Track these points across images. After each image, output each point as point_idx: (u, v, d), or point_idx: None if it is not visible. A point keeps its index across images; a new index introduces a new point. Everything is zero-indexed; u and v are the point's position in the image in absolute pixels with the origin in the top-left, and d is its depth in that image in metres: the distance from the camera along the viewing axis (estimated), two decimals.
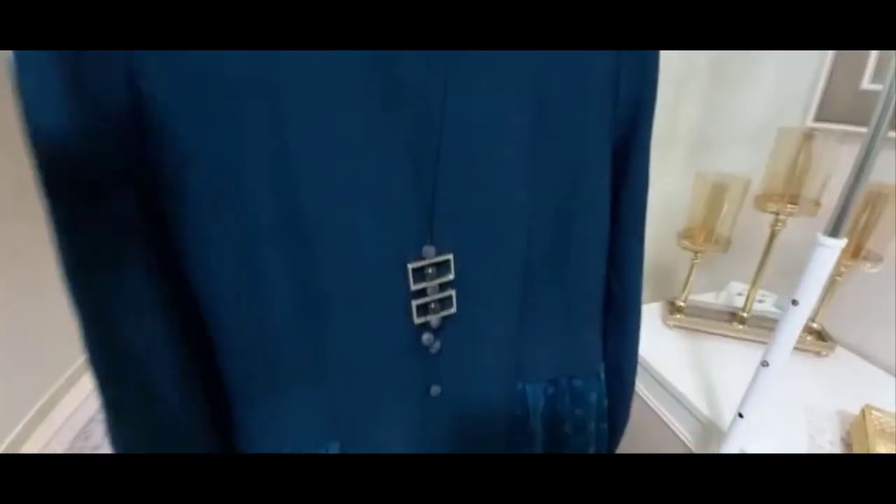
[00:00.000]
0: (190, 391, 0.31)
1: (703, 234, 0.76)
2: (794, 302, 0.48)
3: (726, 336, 0.80)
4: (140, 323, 0.27)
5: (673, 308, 0.83)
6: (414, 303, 0.35)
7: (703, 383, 0.71)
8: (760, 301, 0.83)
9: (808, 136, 0.66)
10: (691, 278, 0.80)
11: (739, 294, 0.90)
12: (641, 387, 0.75)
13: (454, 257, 0.35)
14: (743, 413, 0.55)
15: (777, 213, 0.68)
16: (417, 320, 0.35)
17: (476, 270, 0.36)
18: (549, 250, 0.39)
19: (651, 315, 0.85)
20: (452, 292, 0.36)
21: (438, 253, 0.34)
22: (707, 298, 0.90)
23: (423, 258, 0.34)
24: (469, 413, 0.42)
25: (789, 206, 0.67)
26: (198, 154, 0.26)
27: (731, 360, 0.75)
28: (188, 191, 0.27)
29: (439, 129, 0.31)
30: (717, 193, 0.72)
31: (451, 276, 0.35)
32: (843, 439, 0.61)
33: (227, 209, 0.28)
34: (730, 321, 0.82)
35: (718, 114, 0.86)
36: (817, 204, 0.68)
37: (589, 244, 0.42)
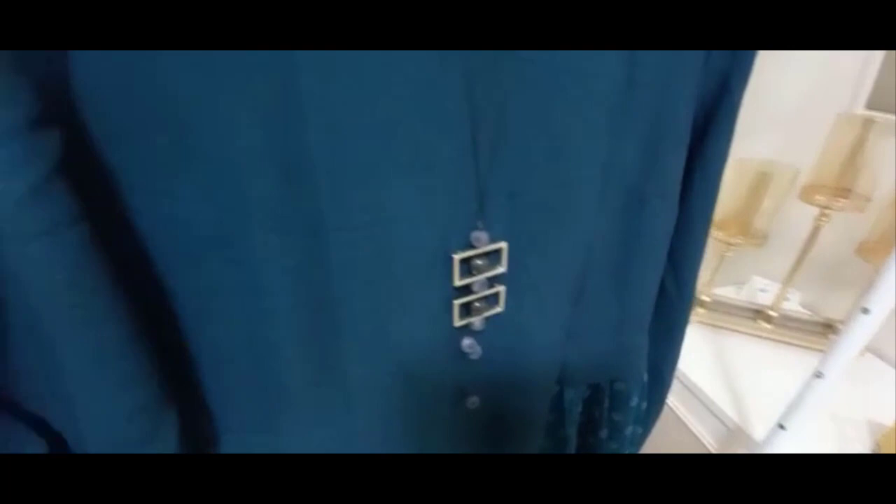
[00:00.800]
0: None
1: (737, 226, 0.70)
2: (865, 310, 0.43)
3: (751, 335, 0.75)
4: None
5: (696, 302, 0.78)
6: (456, 302, 0.28)
7: (728, 385, 0.67)
8: (786, 299, 0.78)
9: (868, 124, 0.60)
10: (718, 271, 0.75)
11: (763, 290, 0.86)
12: None
13: (508, 246, 0.28)
14: (785, 425, 0.51)
15: (825, 207, 0.63)
16: (458, 322, 0.29)
17: (531, 262, 0.30)
18: (614, 239, 0.33)
19: None
20: (502, 288, 0.29)
21: (491, 240, 0.27)
22: (726, 293, 0.85)
23: (472, 247, 0.27)
24: (506, 424, 0.36)
25: (840, 199, 0.62)
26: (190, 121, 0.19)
27: (758, 361, 0.71)
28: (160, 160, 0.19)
29: (508, 85, 0.23)
30: (759, 182, 0.66)
31: (502, 269, 0.28)
32: (873, 451, 0.58)
33: (215, 180, 0.20)
34: (755, 319, 0.77)
35: (755, 94, 0.79)
36: (868, 199, 0.62)
37: (655, 234, 0.36)
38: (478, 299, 0.29)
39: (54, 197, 0.18)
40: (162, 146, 0.19)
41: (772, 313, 0.75)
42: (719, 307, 0.78)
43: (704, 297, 0.77)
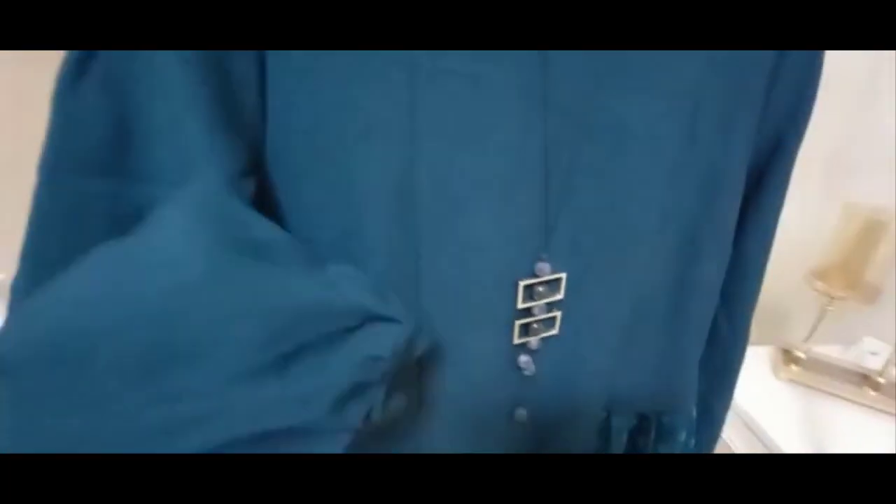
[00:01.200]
0: None
1: (844, 278, 0.65)
2: None
3: (853, 402, 0.68)
4: None
5: (788, 358, 0.72)
6: (517, 322, 0.32)
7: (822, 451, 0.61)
8: None
9: None
10: (819, 327, 0.69)
11: (874, 353, 0.77)
12: (736, 441, 0.67)
13: (567, 276, 0.31)
14: None
15: None
16: (517, 340, 0.32)
17: (587, 293, 0.33)
18: (668, 279, 0.36)
19: (758, 361, 0.75)
20: (558, 313, 0.33)
21: (553, 271, 0.30)
22: (831, 352, 0.78)
23: (535, 275, 0.30)
24: (549, 440, 0.39)
25: None
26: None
27: (858, 432, 0.64)
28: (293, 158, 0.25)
29: (582, 131, 0.27)
30: (871, 230, 0.61)
31: (559, 297, 0.32)
32: None
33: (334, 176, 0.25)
34: (860, 385, 0.70)
35: (865, 131, 0.72)
36: None
37: (708, 276, 0.38)
38: (536, 321, 0.32)
39: None
40: (301, 156, 0.25)
41: (880, 380, 0.68)
42: (817, 366, 0.72)
43: (799, 354, 0.72)
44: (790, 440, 0.63)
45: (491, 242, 0.29)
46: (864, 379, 0.70)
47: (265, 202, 0.26)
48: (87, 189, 0.22)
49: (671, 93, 0.28)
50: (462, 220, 0.27)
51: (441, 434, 0.35)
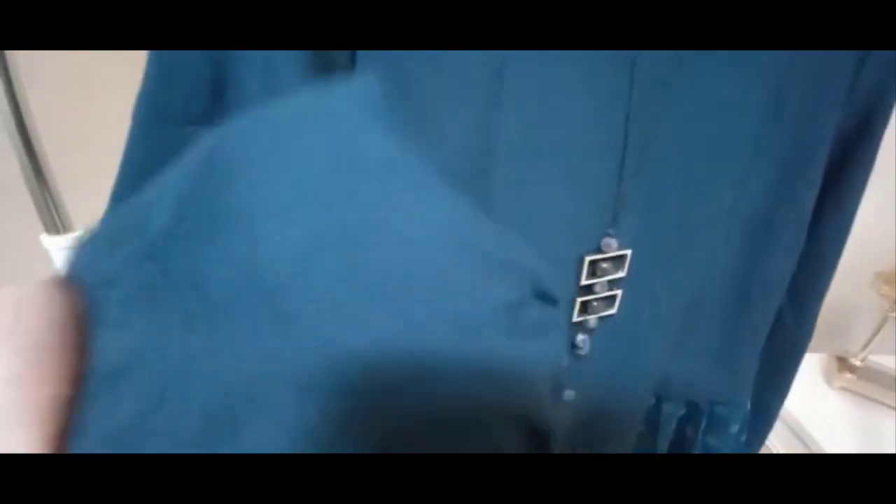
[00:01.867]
0: None
1: None
2: None
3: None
4: None
5: (843, 366, 0.68)
6: (579, 299, 0.31)
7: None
8: None
9: None
10: (879, 334, 0.65)
11: None
12: (780, 449, 0.64)
13: (632, 254, 0.30)
14: None
15: None
16: (576, 318, 0.32)
17: (650, 273, 0.31)
18: (736, 263, 0.34)
19: (810, 367, 0.71)
20: (619, 292, 0.31)
21: (619, 247, 0.29)
22: (889, 363, 0.73)
23: (601, 251, 0.29)
24: (595, 423, 0.38)
25: None
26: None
27: None
28: None
29: (659, 109, 0.26)
30: None
31: (622, 274, 0.31)
32: None
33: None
34: None
35: None
36: None
37: (778, 262, 0.35)
38: (597, 299, 0.31)
39: None
40: None
41: None
42: (872, 375, 0.68)
43: (856, 362, 0.68)
44: (840, 449, 0.60)
45: (562, 213, 0.28)
46: None
47: None
48: (176, 137, 0.22)
49: (759, 64, 0.26)
50: (536, 188, 0.26)
51: None
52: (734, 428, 0.41)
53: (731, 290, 0.35)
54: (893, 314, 0.63)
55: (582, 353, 0.34)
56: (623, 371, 0.35)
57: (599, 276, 0.30)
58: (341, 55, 0.22)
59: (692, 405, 0.39)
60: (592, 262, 0.30)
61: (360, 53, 0.22)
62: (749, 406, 0.41)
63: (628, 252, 0.30)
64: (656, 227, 0.30)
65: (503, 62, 0.23)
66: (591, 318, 0.32)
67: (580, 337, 0.33)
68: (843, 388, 0.68)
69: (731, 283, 0.34)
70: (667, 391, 0.38)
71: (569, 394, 0.36)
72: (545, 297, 0.19)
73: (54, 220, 0.37)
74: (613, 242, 0.29)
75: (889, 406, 0.66)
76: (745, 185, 0.30)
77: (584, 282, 0.30)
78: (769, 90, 0.27)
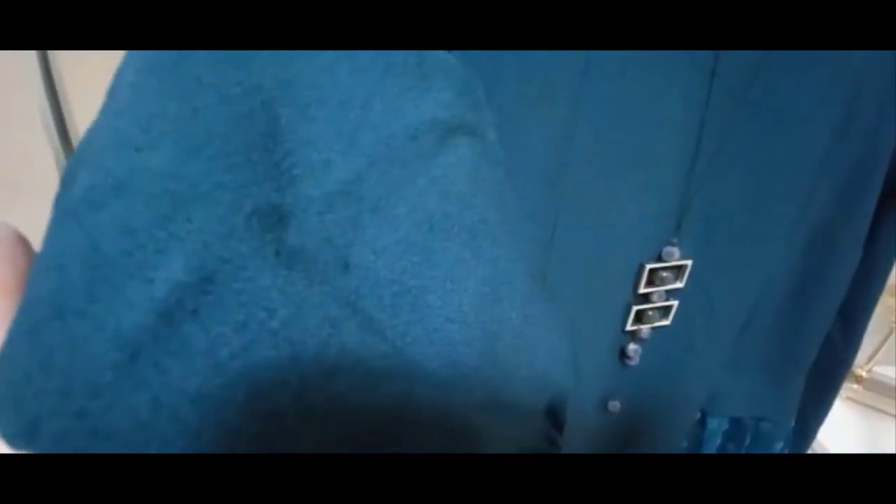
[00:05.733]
0: None
1: None
2: None
3: None
4: None
5: (851, 376, 0.70)
6: (634, 308, 0.31)
7: None
8: None
9: None
10: (884, 346, 0.67)
11: None
12: None
13: (692, 264, 0.30)
14: None
15: None
16: (630, 327, 0.31)
17: (708, 284, 0.31)
18: (795, 277, 0.34)
19: None
20: (675, 303, 0.31)
21: (681, 257, 0.29)
22: (888, 372, 0.75)
23: (661, 260, 0.29)
24: (637, 437, 0.38)
25: None
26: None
27: None
28: None
29: (742, 107, 0.26)
30: None
31: (680, 285, 0.31)
32: None
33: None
34: None
35: None
36: None
37: (838, 277, 0.35)
38: (652, 308, 0.31)
39: None
40: None
41: None
42: (879, 387, 0.69)
43: (863, 373, 0.70)
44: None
45: (627, 219, 0.27)
46: None
47: None
48: None
49: (834, 78, 0.26)
50: (604, 193, 0.26)
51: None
52: (778, 445, 0.40)
53: (787, 307, 0.35)
54: None
55: (632, 362, 0.33)
56: (672, 384, 0.35)
57: (658, 286, 0.30)
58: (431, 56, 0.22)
59: (737, 421, 0.39)
60: (652, 271, 0.30)
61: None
62: (793, 424, 0.41)
63: (689, 262, 0.30)
64: (719, 238, 0.29)
65: (587, 63, 0.23)
66: (645, 328, 0.32)
67: (632, 346, 0.33)
68: (850, 399, 0.69)
69: (787, 299, 0.34)
70: (713, 406, 0.38)
71: (614, 405, 0.35)
72: (554, 417, 0.21)
73: None
74: (675, 251, 0.29)
75: (893, 416, 0.67)
76: (809, 200, 0.30)
77: (641, 290, 0.30)
78: (842, 105, 0.27)
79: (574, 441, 0.36)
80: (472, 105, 0.19)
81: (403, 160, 0.16)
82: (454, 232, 0.17)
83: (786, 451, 0.42)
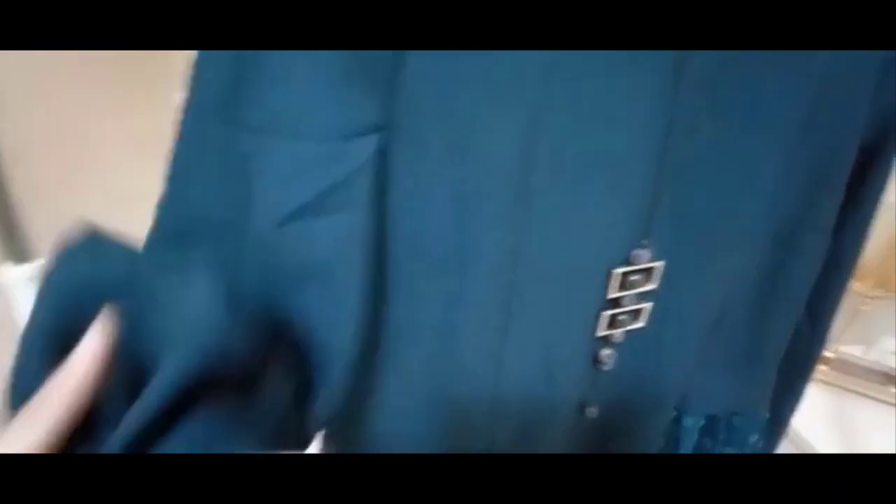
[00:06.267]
0: None
1: (877, 278, 0.64)
2: None
3: (879, 401, 0.68)
4: None
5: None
6: (604, 313, 0.30)
7: (847, 450, 0.61)
8: None
9: None
10: (850, 327, 0.69)
11: (894, 353, 0.77)
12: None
13: (664, 265, 0.29)
14: None
15: None
16: (601, 332, 0.30)
17: (681, 284, 0.30)
18: (762, 274, 0.33)
19: None
20: (648, 305, 0.30)
21: (651, 259, 0.28)
22: (852, 351, 0.78)
23: (630, 263, 0.28)
24: (615, 439, 0.37)
25: None
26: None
27: (883, 430, 0.64)
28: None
29: (709, 106, 0.25)
30: None
31: (652, 287, 0.30)
32: None
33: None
34: (884, 383, 0.70)
35: None
36: None
37: (801, 276, 0.35)
38: (624, 312, 0.30)
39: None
40: (437, 149, 0.22)
41: None
42: (845, 367, 0.71)
43: (829, 354, 0.71)
44: (820, 439, 0.62)
45: (595, 223, 0.26)
46: (888, 378, 0.70)
47: (386, 162, 0.23)
48: (206, 133, 0.21)
49: (800, 74, 0.26)
50: (571, 195, 0.25)
51: (506, 425, 0.33)
52: (752, 438, 0.40)
53: (757, 303, 0.34)
54: (864, 307, 0.67)
55: (606, 367, 0.32)
56: (647, 385, 0.34)
57: (629, 289, 0.29)
58: (383, 57, 0.20)
59: (712, 417, 0.39)
60: (622, 275, 0.29)
61: (411, 54, 0.20)
62: (767, 415, 0.41)
63: (660, 264, 0.29)
64: (689, 238, 0.29)
65: (549, 65, 0.21)
66: (618, 332, 0.31)
67: (605, 352, 0.32)
68: (820, 380, 0.71)
69: (756, 295, 0.34)
70: (688, 404, 0.37)
71: (591, 410, 0.35)
72: None
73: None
74: (645, 254, 0.28)
75: (860, 393, 0.69)
76: (776, 197, 0.29)
77: (611, 295, 0.29)
78: (807, 101, 0.27)
79: (553, 445, 0.35)
80: None
81: None
82: None
83: (760, 442, 0.42)
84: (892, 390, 0.69)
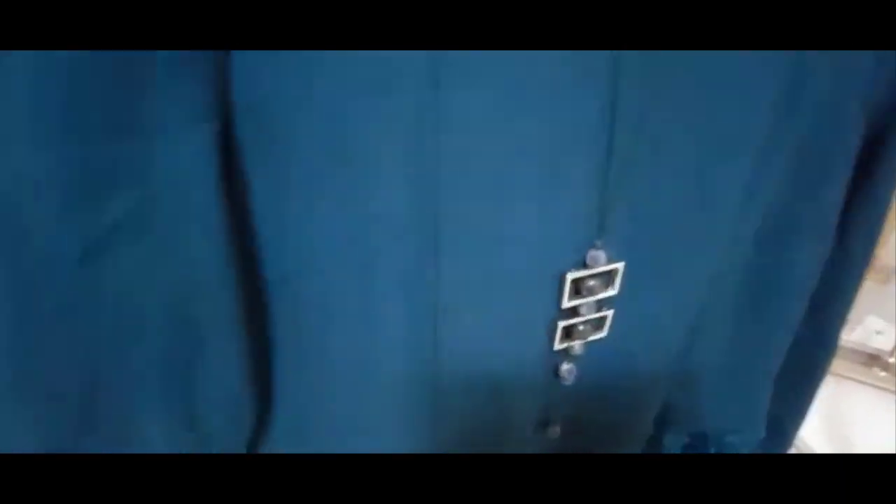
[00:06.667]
0: None
1: None
2: None
3: (865, 383, 0.66)
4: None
5: (878, 363, 0.69)
6: (561, 324, 0.25)
7: (832, 435, 0.59)
8: None
9: None
10: None
11: (879, 333, 0.75)
12: None
13: (625, 267, 0.25)
14: None
15: None
16: (559, 346, 0.26)
17: (647, 287, 0.26)
18: (750, 274, 0.29)
19: None
20: (609, 312, 0.26)
21: (608, 261, 0.24)
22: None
23: (586, 266, 0.24)
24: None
25: None
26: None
27: (870, 413, 0.62)
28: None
29: (660, 83, 0.20)
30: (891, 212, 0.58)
31: (612, 293, 0.26)
32: None
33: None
34: (868, 365, 0.68)
35: None
36: None
37: (800, 271, 0.31)
38: (583, 322, 0.26)
39: None
40: (305, 153, 0.18)
41: (891, 360, 0.66)
42: None
43: (891, 360, 0.69)
44: (807, 425, 0.60)
45: (531, 230, 0.22)
46: (873, 359, 0.68)
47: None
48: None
49: (765, 62, 0.21)
50: (490, 212, 0.21)
51: (473, 446, 0.29)
52: None
53: (744, 306, 0.30)
54: None
55: (567, 383, 0.28)
56: (616, 401, 0.30)
57: (585, 296, 0.25)
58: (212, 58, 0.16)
59: (699, 435, 0.35)
60: (576, 281, 0.24)
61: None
62: (764, 433, 0.37)
63: (619, 265, 0.25)
64: (652, 233, 0.24)
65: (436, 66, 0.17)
66: (577, 344, 0.27)
67: (564, 366, 0.28)
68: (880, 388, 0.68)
69: (743, 296, 0.30)
70: (670, 421, 0.33)
71: (554, 430, 0.31)
72: None
73: None
74: (601, 255, 0.24)
75: (845, 377, 0.67)
76: (757, 185, 0.25)
77: (566, 304, 0.25)
78: (781, 80, 0.22)
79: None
80: None
81: None
82: None
83: None
84: (877, 372, 0.67)
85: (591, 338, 0.27)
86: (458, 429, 0.28)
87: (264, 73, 0.17)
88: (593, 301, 0.25)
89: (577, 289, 0.25)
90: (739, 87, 0.22)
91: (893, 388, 0.65)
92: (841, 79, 0.24)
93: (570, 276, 0.24)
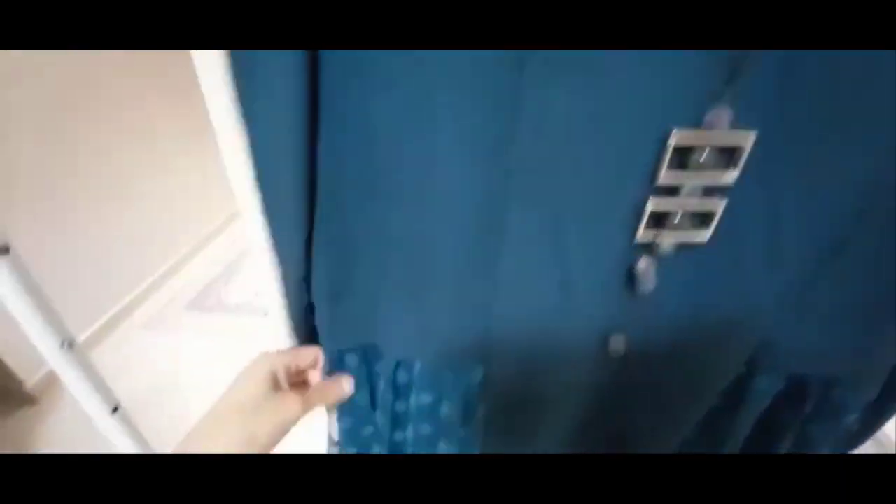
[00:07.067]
0: None
1: None
2: None
3: None
4: None
5: None
6: (651, 202, 0.21)
7: None
8: None
9: None
10: None
11: None
12: None
13: (757, 138, 0.19)
14: None
15: None
16: (642, 235, 0.22)
17: (781, 179, 0.20)
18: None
19: None
20: (720, 204, 0.21)
21: (734, 125, 0.18)
22: None
23: (701, 127, 0.19)
24: (650, 388, 0.29)
25: None
26: None
27: None
28: None
29: None
30: None
31: (734, 174, 0.20)
32: None
33: None
34: None
35: None
36: None
37: None
38: (680, 211, 0.21)
39: None
40: None
41: None
42: None
43: None
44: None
45: (633, 62, 0.17)
46: None
47: None
48: None
49: None
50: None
51: (503, 359, 0.27)
52: (850, 419, 0.30)
53: (885, 250, 0.23)
54: None
55: (643, 288, 0.23)
56: (704, 328, 0.25)
57: (693, 169, 0.20)
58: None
59: (798, 380, 0.28)
60: (681, 150, 0.19)
61: None
62: (875, 396, 0.29)
63: (751, 135, 0.19)
64: (799, 110, 0.18)
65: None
66: (666, 241, 0.22)
67: (641, 264, 0.23)
68: None
69: (889, 221, 0.22)
70: (766, 361, 0.27)
71: (616, 341, 0.26)
72: None
73: None
74: (725, 114, 0.18)
75: None
76: None
77: (663, 177, 0.20)
78: None
79: (567, 396, 0.28)
80: None
81: None
82: None
83: (857, 426, 0.31)
84: None
85: (686, 239, 0.22)
86: (525, 344, 0.26)
87: None
88: (700, 184, 0.20)
89: (683, 160, 0.19)
90: None
91: None
92: None
93: (675, 137, 0.19)
